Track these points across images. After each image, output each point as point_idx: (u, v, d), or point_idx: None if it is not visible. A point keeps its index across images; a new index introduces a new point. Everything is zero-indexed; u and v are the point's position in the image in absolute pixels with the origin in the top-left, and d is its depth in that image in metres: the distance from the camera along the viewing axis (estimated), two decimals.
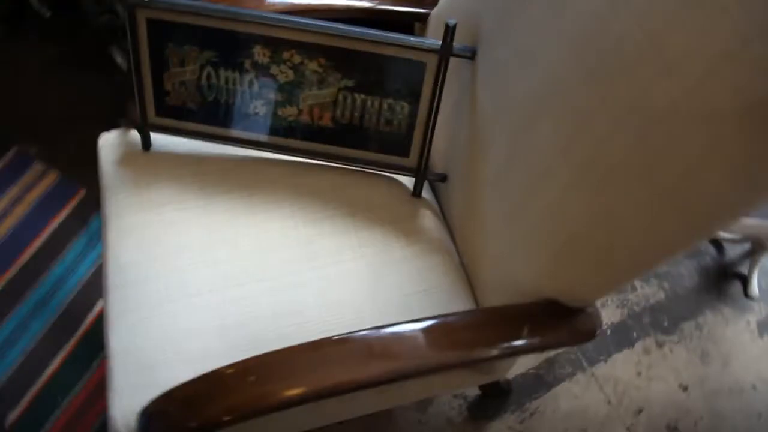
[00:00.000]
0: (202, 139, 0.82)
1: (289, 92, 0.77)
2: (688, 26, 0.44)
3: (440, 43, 0.71)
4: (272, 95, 0.78)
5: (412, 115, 0.77)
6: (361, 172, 0.83)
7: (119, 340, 0.71)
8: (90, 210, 1.31)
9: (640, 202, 0.51)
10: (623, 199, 0.52)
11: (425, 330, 0.57)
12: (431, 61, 0.73)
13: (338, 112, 0.78)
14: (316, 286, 0.74)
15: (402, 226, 0.80)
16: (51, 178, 1.38)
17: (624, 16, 0.48)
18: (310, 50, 0.74)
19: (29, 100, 1.51)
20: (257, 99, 0.78)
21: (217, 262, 0.75)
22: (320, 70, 0.75)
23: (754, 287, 1.17)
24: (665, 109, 0.46)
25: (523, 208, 0.64)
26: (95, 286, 1.21)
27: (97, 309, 1.19)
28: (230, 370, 0.53)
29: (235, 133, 0.81)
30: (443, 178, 0.81)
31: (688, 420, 1.05)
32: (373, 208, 0.81)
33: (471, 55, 0.72)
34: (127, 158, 0.84)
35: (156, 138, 0.84)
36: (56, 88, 1.52)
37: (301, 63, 0.75)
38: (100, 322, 1.16)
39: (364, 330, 0.56)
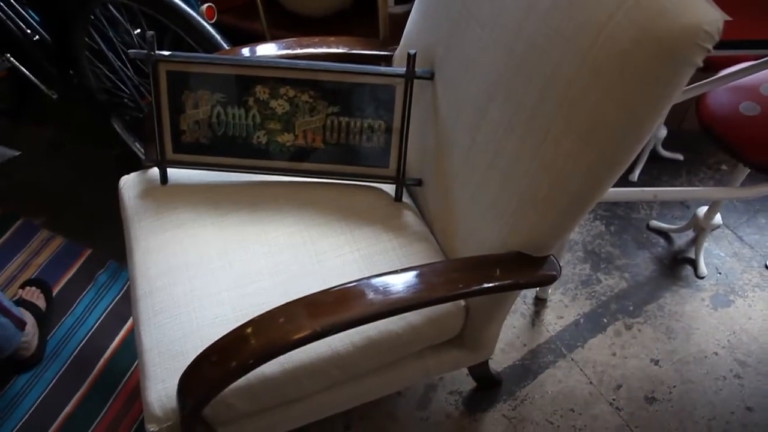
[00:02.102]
0: (214, 169, 0.97)
1: (286, 121, 0.93)
2: (576, 15, 0.62)
3: (405, 69, 0.89)
4: (272, 125, 0.94)
5: (388, 132, 0.94)
6: (349, 184, 0.98)
7: (150, 338, 0.82)
8: (96, 267, 1.42)
9: (568, 154, 0.67)
10: (554, 155, 0.68)
11: (420, 272, 0.70)
12: (399, 85, 0.91)
13: (328, 135, 0.94)
14: (320, 274, 0.86)
15: (387, 223, 0.94)
16: (57, 243, 1.49)
17: (533, 18, 0.67)
18: (301, 85, 0.91)
19: (35, 176, 1.65)
20: (260, 130, 0.94)
21: (233, 266, 0.88)
22: (311, 100, 0.92)
23: (703, 268, 1.32)
24: (571, 74, 0.64)
25: (483, 186, 0.79)
26: (105, 334, 1.30)
27: (107, 354, 1.27)
28: (264, 316, 0.65)
29: (242, 161, 0.96)
30: (419, 182, 0.97)
31: (662, 389, 1.16)
32: (361, 212, 0.95)
33: (430, 76, 0.90)
34: (147, 192, 0.98)
35: (172, 173, 0.98)
36: (60, 163, 1.67)
37: (295, 96, 0.92)
38: (111, 366, 1.24)
39: (368, 277, 0.69)
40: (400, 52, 1.02)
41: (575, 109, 0.63)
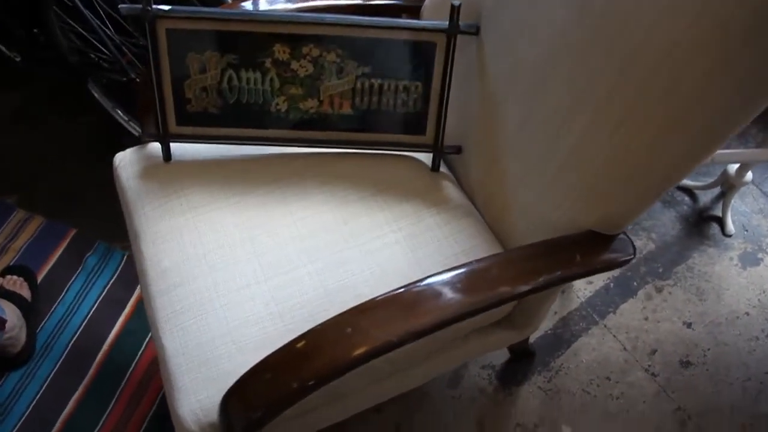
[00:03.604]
0: (226, 142, 0.85)
1: (309, 85, 0.81)
2: None
3: (447, 23, 0.78)
4: (293, 90, 0.82)
5: (426, 95, 0.83)
6: (381, 153, 0.88)
7: (174, 342, 0.72)
8: (84, 248, 1.28)
9: (653, 140, 0.58)
10: (637, 132, 0.59)
11: (495, 264, 0.61)
12: (440, 41, 0.79)
13: (357, 99, 0.83)
14: (361, 261, 0.77)
15: (427, 198, 0.85)
16: (36, 224, 1.34)
17: None
18: (327, 42, 0.79)
19: (0, 149, 1.47)
20: (279, 96, 0.82)
21: (259, 254, 0.77)
22: (338, 60, 0.80)
23: (730, 226, 1.28)
24: (667, 48, 0.54)
25: (545, 162, 0.70)
26: (102, 323, 1.18)
27: (106, 344, 1.16)
28: (325, 326, 0.56)
29: (259, 132, 0.84)
30: (458, 150, 0.87)
31: (697, 352, 1.13)
32: (397, 186, 0.85)
33: (476, 31, 0.79)
34: (148, 171, 0.85)
35: (175, 148, 0.86)
36: (28, 134, 1.49)
37: (320, 56, 0.80)
38: (112, 359, 1.14)
39: (431, 277, 0.60)
40: (432, 2, 0.89)
41: (669, 89, 0.54)
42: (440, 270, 0.76)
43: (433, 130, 0.85)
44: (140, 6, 0.75)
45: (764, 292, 1.21)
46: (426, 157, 0.89)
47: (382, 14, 0.93)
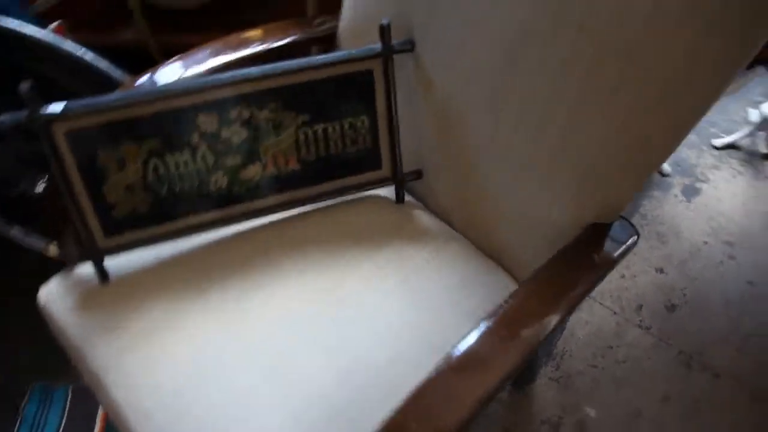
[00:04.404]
0: (166, 241, 0.73)
1: (247, 151, 0.72)
2: None
3: (380, 46, 0.71)
4: (230, 161, 0.72)
5: (373, 127, 0.76)
6: (339, 201, 0.80)
7: None
8: (16, 398, 1.08)
9: (647, 104, 0.56)
10: (628, 108, 0.57)
11: (525, 299, 0.56)
12: (376, 67, 0.73)
13: (303, 152, 0.74)
14: (363, 326, 0.69)
15: (404, 234, 0.78)
16: None
17: None
18: (257, 99, 0.70)
19: None
20: (215, 171, 0.72)
21: (250, 356, 0.67)
22: (272, 115, 0.71)
23: (665, 166, 1.34)
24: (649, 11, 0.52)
25: (532, 160, 0.67)
26: None
27: None
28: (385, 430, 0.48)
29: (203, 217, 0.73)
30: (419, 174, 0.82)
31: (676, 294, 1.17)
32: (370, 231, 0.78)
33: (411, 47, 0.73)
34: (88, 300, 0.71)
35: (110, 263, 0.73)
36: None
37: (251, 116, 0.70)
38: None
39: (485, 319, 0.54)
40: (348, 27, 0.83)
41: (660, 53, 0.52)
42: (446, 309, 0.72)
43: (389, 160, 0.79)
44: (25, 113, 0.62)
45: (712, 218, 1.27)
46: (387, 191, 0.82)
47: (291, 55, 0.85)
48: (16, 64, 0.90)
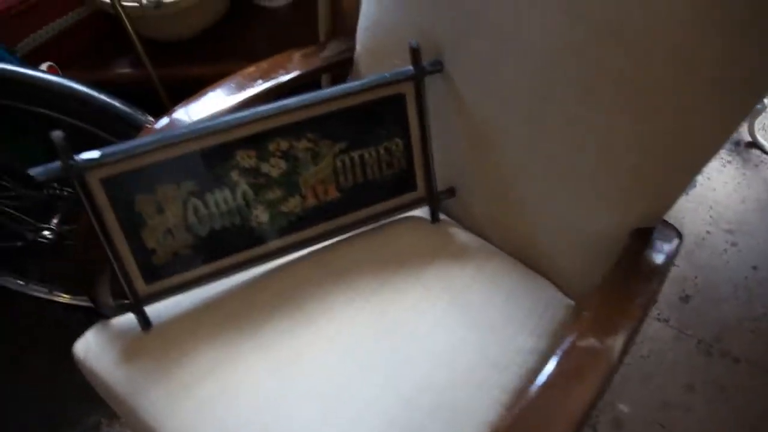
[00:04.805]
0: (209, 282, 0.70)
1: (286, 183, 0.70)
2: None
3: (412, 68, 0.71)
4: (270, 195, 0.70)
5: (408, 149, 0.76)
6: (375, 226, 0.79)
7: None
8: None
9: (692, 104, 0.58)
10: (675, 108, 0.59)
11: (594, 319, 0.57)
12: (408, 89, 0.72)
13: (341, 180, 0.73)
14: (419, 351, 0.68)
15: (444, 254, 0.78)
16: None
17: None
18: (294, 130, 0.68)
19: None
20: (255, 207, 0.70)
21: (310, 393, 0.65)
22: (310, 145, 0.70)
23: None
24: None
25: (575, 167, 0.67)
26: None
27: None
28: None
29: (245, 254, 0.71)
30: (452, 192, 0.81)
31: (689, 284, 1.20)
32: (410, 253, 0.77)
33: (441, 67, 0.73)
34: (130, 350, 0.68)
35: (149, 310, 0.70)
36: None
37: (290, 147, 0.69)
38: None
39: (558, 353, 0.54)
40: (366, 51, 0.82)
41: (694, 59, 0.54)
42: (499, 325, 0.72)
43: (424, 181, 0.78)
44: (58, 164, 0.59)
45: (711, 207, 1.32)
46: (421, 211, 0.82)
47: (305, 87, 0.84)
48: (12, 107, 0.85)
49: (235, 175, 0.67)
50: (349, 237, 0.78)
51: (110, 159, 0.61)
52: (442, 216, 0.83)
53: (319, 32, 0.86)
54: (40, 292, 1.09)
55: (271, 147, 0.68)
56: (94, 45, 1.13)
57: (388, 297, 0.73)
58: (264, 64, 0.81)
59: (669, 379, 1.08)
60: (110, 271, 0.68)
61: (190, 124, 0.66)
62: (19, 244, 0.96)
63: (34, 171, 0.59)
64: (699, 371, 1.09)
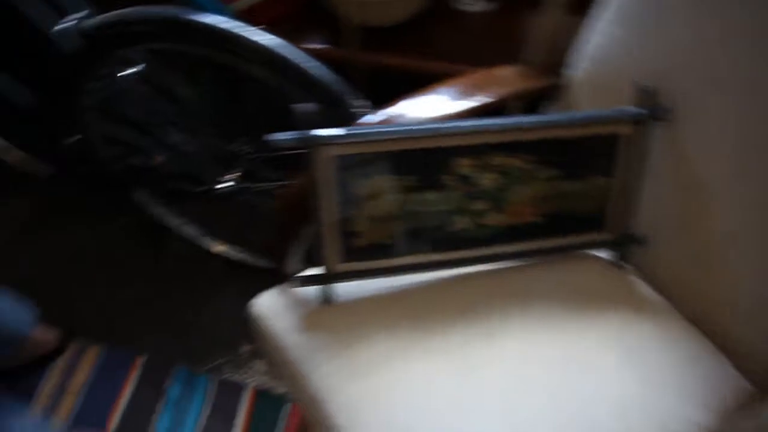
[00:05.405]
0: (397, 275, 0.72)
1: (495, 198, 0.70)
2: None
3: (638, 110, 0.69)
4: (478, 206, 0.70)
5: (608, 188, 0.74)
6: (554, 256, 0.78)
7: None
8: (160, 376, 1.11)
9: None
10: None
11: None
12: (628, 130, 0.70)
13: (544, 206, 0.72)
14: (591, 396, 0.66)
15: (625, 303, 0.75)
16: (93, 354, 1.14)
17: None
18: (515, 149, 0.68)
19: (14, 267, 1.26)
20: (459, 214, 0.70)
21: (481, 399, 0.65)
22: (527, 167, 0.69)
23: None
24: None
25: None
26: None
27: None
28: None
29: (438, 256, 0.72)
30: (642, 241, 0.79)
31: None
32: (590, 293, 0.75)
33: (670, 117, 0.70)
34: (310, 320, 0.71)
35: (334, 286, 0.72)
36: (42, 247, 1.28)
37: (507, 165, 0.69)
38: None
39: None
40: (586, 80, 0.80)
41: None
42: (674, 388, 0.69)
43: (614, 224, 0.76)
44: (296, 134, 0.62)
45: None
46: (603, 251, 0.80)
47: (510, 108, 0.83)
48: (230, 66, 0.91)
49: (450, 180, 0.68)
50: (531, 263, 0.77)
51: (348, 140, 0.63)
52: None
53: (528, 53, 0.85)
54: (194, 233, 1.16)
55: (491, 161, 0.68)
56: (296, 15, 1.18)
57: (564, 333, 0.72)
58: (480, 76, 0.81)
59: None
60: (309, 241, 0.71)
61: (420, 122, 0.67)
62: (198, 189, 1.02)
63: (275, 137, 0.63)
64: None
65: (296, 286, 0.73)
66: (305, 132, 0.62)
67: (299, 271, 0.73)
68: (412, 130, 0.64)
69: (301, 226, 0.71)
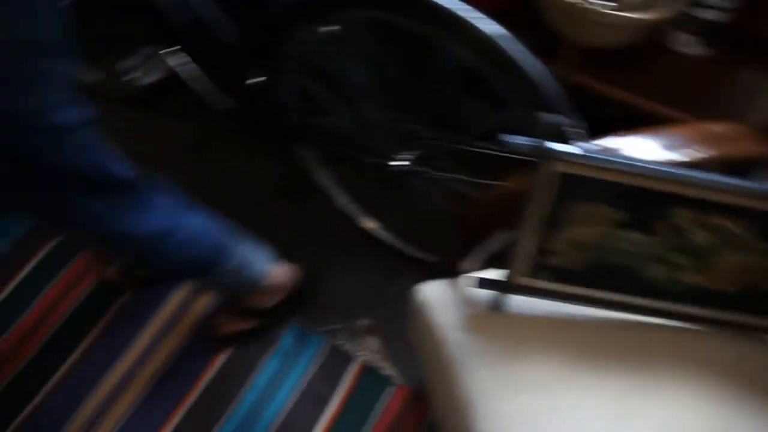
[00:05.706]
0: (577, 303, 0.71)
1: (697, 257, 0.68)
2: None
3: None
4: (678, 259, 0.68)
5: None
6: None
7: None
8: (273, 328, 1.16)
9: None
10: None
11: None
12: None
13: (748, 278, 0.69)
14: None
15: None
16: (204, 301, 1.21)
17: None
18: (735, 213, 0.65)
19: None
20: (656, 262, 0.68)
21: None
22: (745, 234, 0.66)
23: None
24: None
25: None
26: (305, 416, 1.05)
27: None
28: None
29: (620, 297, 0.70)
30: None
31: None
32: (757, 383, 0.72)
33: None
34: (474, 322, 0.72)
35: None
36: (200, 171, 1.35)
37: (724, 226, 0.66)
38: None
39: None
40: None
41: None
42: None
43: None
44: (529, 141, 0.62)
45: None
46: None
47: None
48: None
49: (661, 226, 0.66)
50: (710, 333, 0.74)
51: (581, 160, 0.63)
52: None
53: (758, 113, 0.81)
54: (345, 202, 1.20)
55: (711, 219, 0.65)
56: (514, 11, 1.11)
57: (726, 410, 0.68)
58: (700, 128, 0.78)
59: None
60: (495, 245, 0.71)
61: (650, 162, 0.65)
62: (369, 160, 1.05)
63: (510, 139, 0.63)
64: None
65: (471, 285, 0.73)
66: (541, 142, 0.62)
67: (472, 271, 0.74)
68: (647, 168, 0.63)
69: (495, 229, 0.72)
